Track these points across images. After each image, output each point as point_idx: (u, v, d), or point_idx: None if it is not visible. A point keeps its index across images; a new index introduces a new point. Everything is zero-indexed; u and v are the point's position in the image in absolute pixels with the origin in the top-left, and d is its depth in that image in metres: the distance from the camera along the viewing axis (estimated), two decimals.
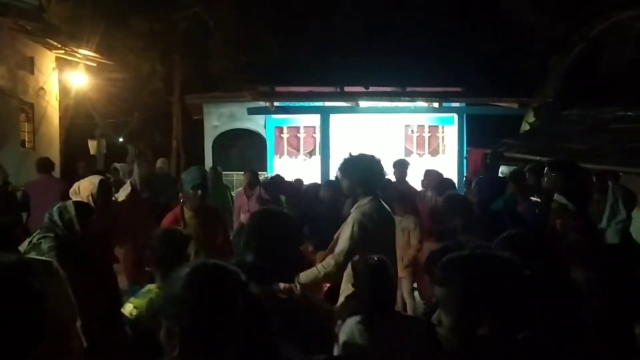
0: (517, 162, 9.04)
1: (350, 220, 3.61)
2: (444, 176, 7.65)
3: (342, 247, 3.51)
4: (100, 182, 4.50)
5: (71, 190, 4.51)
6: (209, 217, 4.61)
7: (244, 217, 7.27)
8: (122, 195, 5.33)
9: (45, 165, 7.55)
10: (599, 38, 11.74)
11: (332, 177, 9.02)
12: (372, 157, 3.80)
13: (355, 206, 3.74)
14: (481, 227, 4.22)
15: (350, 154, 3.89)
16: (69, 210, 3.58)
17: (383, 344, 2.67)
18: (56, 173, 12.07)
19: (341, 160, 3.86)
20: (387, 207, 3.86)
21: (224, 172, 14.51)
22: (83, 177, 8.11)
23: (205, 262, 1.57)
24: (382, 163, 3.82)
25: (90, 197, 4.33)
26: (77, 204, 3.70)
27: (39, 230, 3.71)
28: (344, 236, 3.56)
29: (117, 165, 10.67)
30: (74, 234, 3.52)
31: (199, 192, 4.44)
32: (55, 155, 12.90)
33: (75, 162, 12.03)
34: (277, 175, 8.46)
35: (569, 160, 4.55)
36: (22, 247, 3.58)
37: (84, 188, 4.42)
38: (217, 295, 1.47)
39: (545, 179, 4.22)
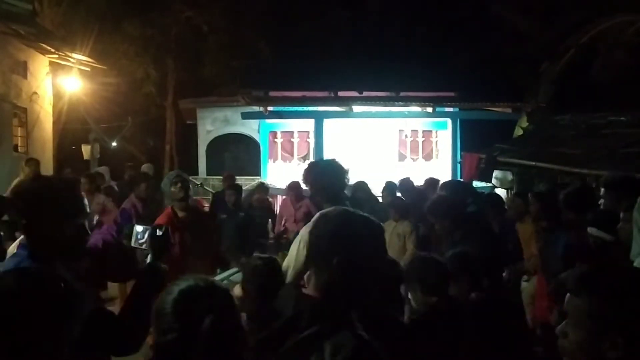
0: (511, 167, 9.10)
1: (298, 237, 3.35)
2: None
3: (286, 266, 3.28)
4: None
5: None
6: (200, 216, 4.64)
7: (290, 225, 7.61)
8: None
9: None
10: (590, 43, 11.84)
11: None
12: (333, 161, 3.62)
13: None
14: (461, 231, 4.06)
15: (318, 159, 3.73)
16: None
17: None
18: None
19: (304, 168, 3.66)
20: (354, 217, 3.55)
21: (217, 177, 14.58)
22: None
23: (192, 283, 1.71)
24: (344, 169, 3.57)
25: None
26: None
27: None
28: (290, 254, 3.34)
29: (100, 169, 10.51)
30: None
31: (179, 185, 4.51)
32: (48, 160, 12.85)
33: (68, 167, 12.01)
34: None
35: (627, 175, 4.07)
36: None
37: None
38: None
39: (603, 201, 3.89)
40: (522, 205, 5.85)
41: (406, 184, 7.36)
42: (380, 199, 7.50)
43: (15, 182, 8.99)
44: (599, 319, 1.40)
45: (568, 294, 1.48)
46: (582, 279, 1.47)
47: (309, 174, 3.58)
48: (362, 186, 7.00)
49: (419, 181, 7.76)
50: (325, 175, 3.52)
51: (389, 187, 7.28)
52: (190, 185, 4.86)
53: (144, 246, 3.58)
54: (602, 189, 3.94)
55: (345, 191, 3.84)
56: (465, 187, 5.93)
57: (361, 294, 1.67)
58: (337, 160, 3.65)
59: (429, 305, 2.78)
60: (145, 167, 10.05)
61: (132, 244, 3.68)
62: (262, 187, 8.76)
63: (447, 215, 4.16)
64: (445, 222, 4.14)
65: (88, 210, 4.08)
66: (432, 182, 7.30)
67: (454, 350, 2.48)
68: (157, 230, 2.68)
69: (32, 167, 9.24)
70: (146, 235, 3.57)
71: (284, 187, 11.54)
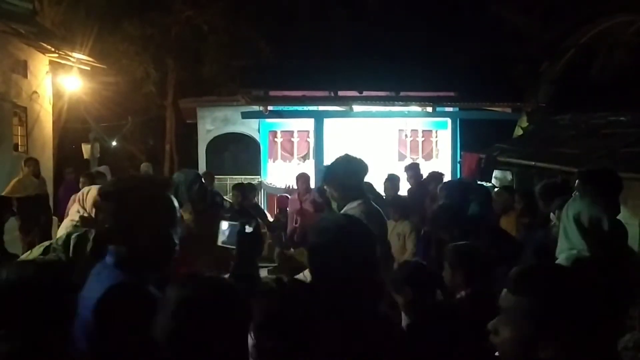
0: (511, 167, 9.10)
1: None
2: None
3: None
4: None
5: (77, 196, 4.21)
6: (208, 217, 4.58)
7: (301, 218, 7.58)
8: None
9: None
10: (590, 44, 11.84)
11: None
12: (353, 158, 3.65)
13: (342, 211, 3.49)
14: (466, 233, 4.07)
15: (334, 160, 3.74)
16: (87, 243, 3.33)
17: None
18: (49, 177, 12.07)
19: (323, 170, 3.77)
20: (378, 209, 3.71)
21: (217, 176, 14.67)
22: (69, 182, 8.20)
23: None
24: (363, 163, 3.70)
25: (94, 205, 3.99)
26: (99, 238, 3.37)
27: (42, 249, 3.59)
28: None
29: (100, 168, 10.49)
30: (80, 267, 3.41)
31: (199, 189, 4.37)
32: (48, 159, 12.85)
33: (70, 166, 11.99)
34: None
35: (605, 170, 4.10)
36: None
37: (92, 195, 4.04)
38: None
39: (577, 192, 3.94)
40: (509, 199, 5.90)
41: (413, 169, 7.38)
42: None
43: (13, 181, 9.01)
44: (534, 319, 1.38)
45: (504, 290, 1.45)
46: (521, 277, 1.44)
47: (337, 172, 3.60)
48: (369, 189, 6.98)
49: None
50: (353, 172, 3.59)
51: (392, 180, 7.29)
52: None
53: (226, 243, 3.14)
54: (577, 181, 3.96)
55: None
56: (465, 187, 5.93)
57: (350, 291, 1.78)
58: (352, 156, 3.69)
59: (420, 309, 2.79)
60: (144, 166, 10.07)
61: (219, 243, 3.28)
62: (250, 188, 8.73)
63: (454, 224, 4.16)
64: (454, 232, 4.12)
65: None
66: (435, 177, 7.33)
67: (449, 352, 2.49)
68: (246, 227, 2.25)
69: (31, 167, 9.26)
70: (228, 233, 3.18)
71: (283, 186, 11.60)
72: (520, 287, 1.42)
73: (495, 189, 6.09)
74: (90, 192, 4.09)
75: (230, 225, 3.24)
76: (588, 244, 3.76)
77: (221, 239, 3.21)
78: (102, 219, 1.96)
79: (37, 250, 3.62)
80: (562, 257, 3.85)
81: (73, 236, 3.50)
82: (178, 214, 2.02)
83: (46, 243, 3.58)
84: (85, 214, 3.92)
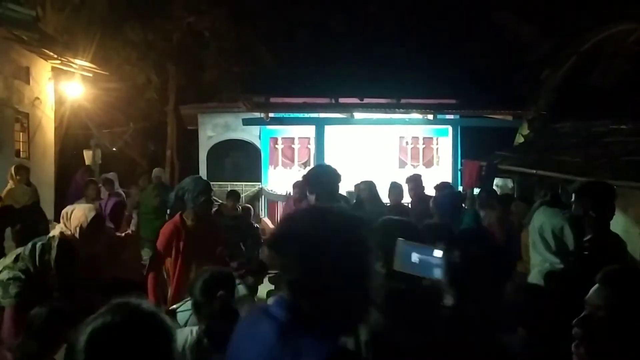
0: (512, 175, 9.10)
1: None
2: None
3: None
4: (95, 217, 4.07)
5: (62, 212, 4.16)
6: (210, 225, 4.62)
7: None
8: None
9: None
10: (591, 51, 11.86)
11: None
12: (329, 166, 3.81)
13: None
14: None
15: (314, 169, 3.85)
16: (51, 250, 3.51)
17: None
18: (50, 184, 12.08)
19: (305, 179, 3.86)
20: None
21: (218, 183, 14.69)
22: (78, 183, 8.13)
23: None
24: (337, 171, 3.81)
25: (78, 228, 3.97)
26: (62, 245, 3.58)
27: (14, 257, 3.61)
28: None
29: (109, 175, 10.46)
30: (46, 275, 3.46)
31: (206, 202, 4.43)
32: (49, 165, 12.85)
33: (71, 172, 12.00)
34: None
35: (602, 183, 3.99)
36: None
37: (76, 217, 4.00)
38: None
39: (574, 206, 3.83)
40: (526, 209, 5.85)
41: (415, 180, 7.38)
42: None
43: (4, 192, 8.68)
44: None
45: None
46: None
47: (318, 182, 3.73)
48: (368, 185, 6.96)
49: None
50: (322, 180, 3.71)
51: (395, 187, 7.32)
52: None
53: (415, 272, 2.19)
54: (573, 195, 3.92)
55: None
56: (457, 200, 5.96)
57: None
58: (331, 166, 3.87)
59: None
60: (157, 171, 10.07)
61: (398, 268, 2.24)
62: (233, 194, 8.67)
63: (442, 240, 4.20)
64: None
65: None
66: (413, 178, 7.35)
67: None
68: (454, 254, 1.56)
69: (22, 175, 8.72)
70: (418, 256, 2.22)
71: (284, 192, 11.59)
72: None
73: (514, 202, 6.04)
74: (74, 213, 4.03)
75: (420, 249, 2.24)
76: (556, 256, 3.77)
77: (402, 262, 2.19)
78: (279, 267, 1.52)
79: (9, 258, 3.65)
80: (535, 271, 3.85)
81: (38, 245, 3.54)
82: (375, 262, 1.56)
83: (18, 251, 3.62)
84: (68, 232, 3.89)
